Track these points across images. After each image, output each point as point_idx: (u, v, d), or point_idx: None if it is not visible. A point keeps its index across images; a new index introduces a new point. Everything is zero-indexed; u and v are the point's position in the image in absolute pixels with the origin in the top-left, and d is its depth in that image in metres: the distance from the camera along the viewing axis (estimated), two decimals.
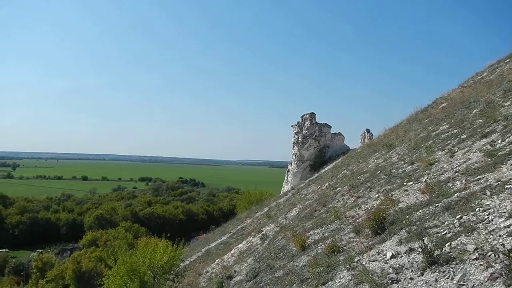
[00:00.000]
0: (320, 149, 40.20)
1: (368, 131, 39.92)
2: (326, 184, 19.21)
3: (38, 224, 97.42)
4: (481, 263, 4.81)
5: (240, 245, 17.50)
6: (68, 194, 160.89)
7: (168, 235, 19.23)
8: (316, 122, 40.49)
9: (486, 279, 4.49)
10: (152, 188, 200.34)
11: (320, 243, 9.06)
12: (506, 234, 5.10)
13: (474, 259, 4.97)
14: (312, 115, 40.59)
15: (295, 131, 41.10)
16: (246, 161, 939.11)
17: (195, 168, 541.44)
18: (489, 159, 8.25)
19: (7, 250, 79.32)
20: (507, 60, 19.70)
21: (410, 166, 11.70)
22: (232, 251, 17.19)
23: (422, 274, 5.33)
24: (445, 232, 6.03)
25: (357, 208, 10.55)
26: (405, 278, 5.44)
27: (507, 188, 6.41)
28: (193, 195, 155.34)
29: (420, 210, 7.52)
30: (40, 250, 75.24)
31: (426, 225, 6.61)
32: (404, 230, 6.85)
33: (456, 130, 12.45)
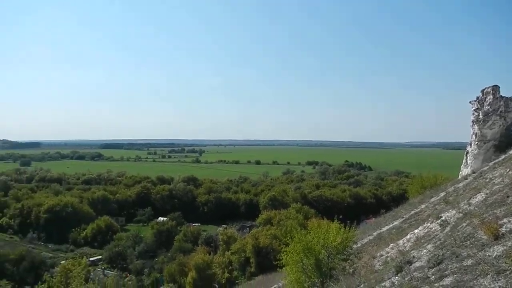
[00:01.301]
0: (507, 126, 34.72)
1: None
2: None
3: (222, 203, 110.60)
4: None
5: (416, 231, 16.67)
6: (244, 177, 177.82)
7: (341, 217, 19.51)
8: (501, 96, 35.04)
9: None
10: (319, 171, 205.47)
11: None
12: None
13: None
14: (496, 88, 35.18)
15: (474, 108, 36.39)
16: (415, 143, 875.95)
17: (361, 151, 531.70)
18: None
19: (199, 224, 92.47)
20: None
21: None
22: (408, 236, 16.50)
23: None
24: None
25: None
26: None
27: None
28: (360, 179, 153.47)
29: None
30: (224, 226, 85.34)
31: None
32: None
33: None
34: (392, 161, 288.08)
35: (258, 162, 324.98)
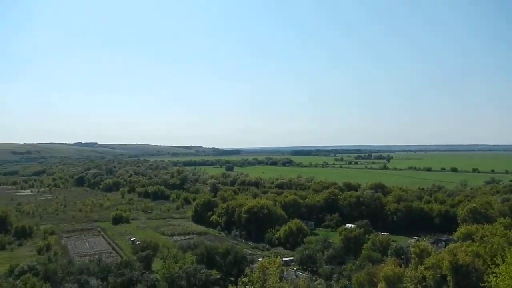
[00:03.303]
0: None
1: None
2: None
3: (412, 212, 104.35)
4: None
5: None
6: (438, 186, 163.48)
7: None
8: None
9: None
10: None
11: None
12: None
13: None
14: None
15: None
16: None
17: None
18: None
19: (388, 233, 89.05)
20: None
21: None
22: None
23: None
24: None
25: None
26: None
27: None
28: None
29: None
30: (416, 237, 79.97)
31: None
32: None
33: None
34: None
35: (454, 170, 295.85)
